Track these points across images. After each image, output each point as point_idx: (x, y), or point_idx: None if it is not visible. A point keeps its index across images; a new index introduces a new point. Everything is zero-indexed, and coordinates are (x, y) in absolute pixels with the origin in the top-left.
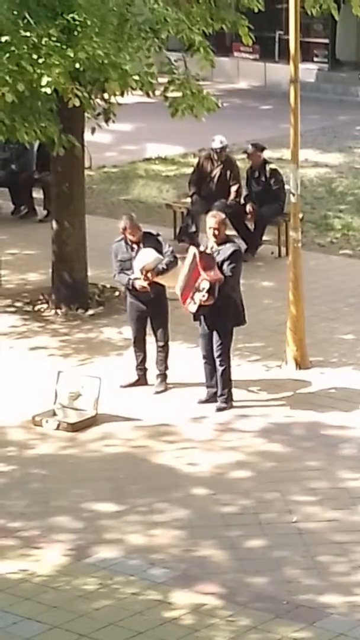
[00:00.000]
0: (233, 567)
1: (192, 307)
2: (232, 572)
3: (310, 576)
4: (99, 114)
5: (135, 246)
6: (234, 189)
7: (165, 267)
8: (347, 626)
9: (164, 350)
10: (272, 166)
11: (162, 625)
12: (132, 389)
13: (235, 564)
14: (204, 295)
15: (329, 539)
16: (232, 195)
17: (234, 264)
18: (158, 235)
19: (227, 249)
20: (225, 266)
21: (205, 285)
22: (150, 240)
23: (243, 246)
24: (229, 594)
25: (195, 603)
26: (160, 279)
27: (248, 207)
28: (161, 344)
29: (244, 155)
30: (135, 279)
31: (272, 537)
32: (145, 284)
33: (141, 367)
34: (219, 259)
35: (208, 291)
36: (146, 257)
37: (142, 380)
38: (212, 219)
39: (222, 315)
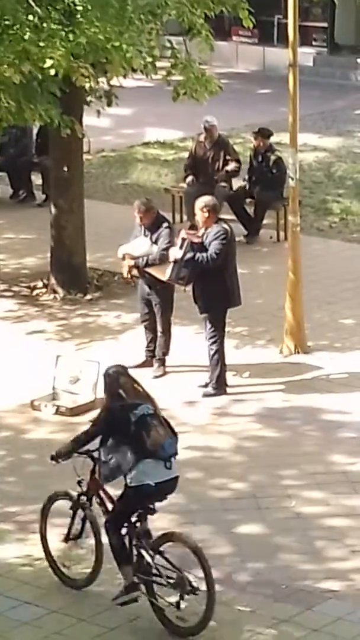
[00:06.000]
0: (231, 552)
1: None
2: (230, 557)
3: (308, 561)
4: (100, 97)
5: (146, 229)
6: (230, 166)
7: (145, 262)
8: (344, 610)
9: (163, 335)
10: (277, 154)
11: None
12: (131, 372)
13: (233, 548)
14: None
15: (327, 523)
16: (228, 166)
17: (218, 244)
18: (168, 226)
19: (213, 230)
20: (211, 247)
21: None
22: (156, 227)
23: (240, 231)
24: (227, 578)
25: (194, 587)
26: (151, 270)
27: (254, 192)
28: (161, 329)
29: (243, 140)
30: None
31: (270, 521)
32: (125, 271)
33: (150, 348)
34: (206, 241)
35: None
36: (137, 245)
37: (148, 363)
38: (199, 205)
39: (212, 297)
